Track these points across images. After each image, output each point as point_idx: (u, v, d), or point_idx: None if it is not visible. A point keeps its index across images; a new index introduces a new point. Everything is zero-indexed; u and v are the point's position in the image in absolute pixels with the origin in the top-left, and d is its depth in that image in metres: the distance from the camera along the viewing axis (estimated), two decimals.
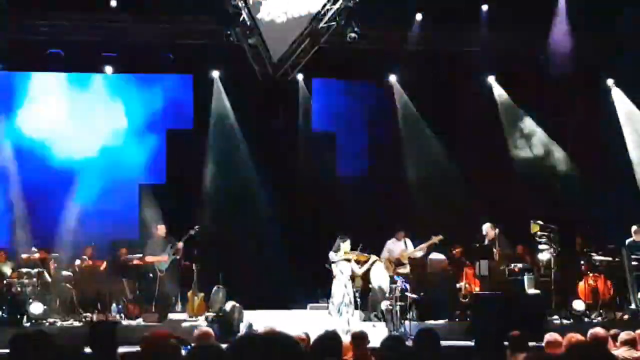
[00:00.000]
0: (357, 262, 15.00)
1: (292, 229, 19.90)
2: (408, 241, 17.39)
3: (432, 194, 20.52)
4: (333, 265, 14.93)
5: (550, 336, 8.76)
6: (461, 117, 20.43)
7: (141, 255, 17.42)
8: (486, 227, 17.84)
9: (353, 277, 15.79)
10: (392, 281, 16.35)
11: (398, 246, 17.38)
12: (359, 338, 8.81)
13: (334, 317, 14.56)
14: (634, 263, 16.64)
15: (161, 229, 17.05)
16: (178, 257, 17.14)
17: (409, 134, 20.93)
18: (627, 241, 17.10)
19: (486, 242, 17.63)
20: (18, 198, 19.13)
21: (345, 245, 14.80)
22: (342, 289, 14.67)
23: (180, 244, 16.86)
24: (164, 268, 16.78)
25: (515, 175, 20.52)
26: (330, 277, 15.08)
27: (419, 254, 17.41)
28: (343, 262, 14.78)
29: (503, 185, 20.09)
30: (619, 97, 20.66)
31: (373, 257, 15.53)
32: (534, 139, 20.76)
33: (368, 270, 17.03)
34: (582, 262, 17.54)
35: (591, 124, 20.28)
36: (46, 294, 16.39)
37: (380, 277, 17.28)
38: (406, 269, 17.05)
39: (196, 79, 20.48)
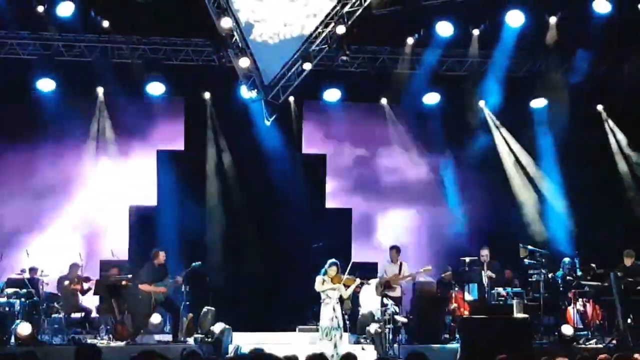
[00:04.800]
0: (345, 285, 14.95)
1: (281, 251, 19.88)
2: (404, 264, 17.44)
3: (422, 216, 20.63)
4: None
5: None
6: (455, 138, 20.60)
7: (131, 275, 17.27)
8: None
9: (342, 300, 15.73)
10: (382, 304, 16.36)
11: (392, 268, 17.41)
12: None
13: (323, 340, 14.51)
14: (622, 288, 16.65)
15: (161, 256, 16.84)
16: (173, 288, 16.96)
17: (402, 157, 21.01)
18: (618, 267, 17.12)
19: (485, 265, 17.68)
20: None
21: (332, 271, 14.73)
22: (330, 312, 14.60)
23: (180, 279, 16.71)
24: (161, 301, 16.62)
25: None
26: (319, 300, 15.03)
27: (407, 280, 17.44)
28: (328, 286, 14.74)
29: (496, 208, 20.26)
30: None
31: (358, 280, 15.48)
32: None
33: (357, 293, 17.03)
34: (571, 286, 17.56)
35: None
36: (34, 314, 16.30)
37: (369, 300, 17.29)
38: (396, 293, 17.05)
39: (188, 100, 20.48)
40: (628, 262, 17.16)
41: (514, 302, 16.80)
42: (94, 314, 17.89)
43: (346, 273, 14.86)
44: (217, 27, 17.93)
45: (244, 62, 18.51)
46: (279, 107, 19.58)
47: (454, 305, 17.70)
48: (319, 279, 14.79)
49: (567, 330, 16.37)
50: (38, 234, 19.11)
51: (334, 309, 14.63)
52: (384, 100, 20.97)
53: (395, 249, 17.70)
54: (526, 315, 16.32)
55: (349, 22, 18.19)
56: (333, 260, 14.85)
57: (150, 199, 20.20)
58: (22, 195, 19.35)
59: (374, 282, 17.10)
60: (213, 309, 17.33)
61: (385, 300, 16.17)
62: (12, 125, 19.44)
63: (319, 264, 15.06)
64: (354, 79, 19.97)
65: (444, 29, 18.81)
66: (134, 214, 20.10)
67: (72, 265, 17.83)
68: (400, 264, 17.56)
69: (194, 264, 16.90)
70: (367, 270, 17.54)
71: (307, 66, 18.76)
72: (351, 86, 20.03)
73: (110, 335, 16.71)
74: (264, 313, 18.99)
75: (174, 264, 17.35)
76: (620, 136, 21.03)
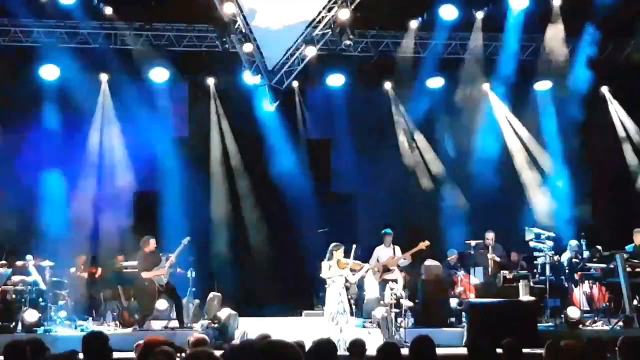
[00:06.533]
0: (351, 270, 14.94)
1: (287, 235, 19.90)
2: (397, 248, 17.44)
3: (428, 200, 20.62)
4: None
5: (550, 343, 8.73)
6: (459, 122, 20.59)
7: (137, 262, 17.27)
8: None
9: (348, 285, 15.74)
10: (382, 287, 16.40)
11: (386, 252, 17.43)
12: (357, 346, 8.80)
13: (329, 324, 14.52)
14: (628, 269, 16.63)
15: (152, 243, 16.83)
16: (172, 269, 16.96)
17: (406, 141, 21.00)
18: (627, 247, 17.11)
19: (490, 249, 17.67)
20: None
21: (338, 254, 14.70)
22: (336, 297, 14.58)
23: (173, 257, 16.69)
24: (164, 283, 16.62)
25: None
26: (325, 285, 15.05)
27: (405, 260, 17.46)
28: (336, 271, 14.72)
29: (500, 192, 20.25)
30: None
31: (366, 266, 15.48)
32: None
33: (362, 277, 17.06)
34: (577, 269, 17.55)
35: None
36: (41, 302, 16.33)
37: (374, 284, 17.32)
38: (393, 275, 17.07)
39: (191, 85, 20.47)
40: (638, 240, 17.14)
41: (520, 285, 16.81)
42: (100, 301, 17.94)
43: (351, 257, 14.82)
44: (220, 13, 17.89)
45: (247, 48, 18.48)
46: (283, 93, 19.56)
47: (460, 288, 17.74)
48: (324, 264, 14.76)
49: (573, 312, 16.35)
50: (43, 220, 19.10)
51: (339, 294, 14.63)
52: (387, 85, 20.94)
53: (388, 234, 17.69)
54: (533, 298, 16.33)
55: (352, 7, 18.14)
56: (338, 243, 14.83)
57: (154, 184, 20.21)
58: (26, 181, 19.36)
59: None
60: (219, 294, 17.37)
61: (391, 284, 16.20)
62: (15, 113, 19.47)
63: (325, 249, 15.06)
64: (357, 64, 19.93)
65: (448, 12, 18.77)
66: (138, 200, 20.10)
67: (77, 253, 17.88)
68: (394, 247, 17.56)
69: (183, 240, 16.85)
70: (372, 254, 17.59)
71: (311, 51, 18.73)
72: (355, 71, 20.00)
73: (117, 322, 16.75)
74: (270, 298, 19.00)
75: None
76: (626, 118, 21.01)
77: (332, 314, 14.50)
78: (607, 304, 17.37)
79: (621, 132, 21.05)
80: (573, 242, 18.11)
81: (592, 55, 19.64)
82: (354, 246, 15.10)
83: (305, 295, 18.88)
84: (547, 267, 17.07)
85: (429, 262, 17.69)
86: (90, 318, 17.15)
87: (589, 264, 17.42)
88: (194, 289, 17.65)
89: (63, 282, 17.25)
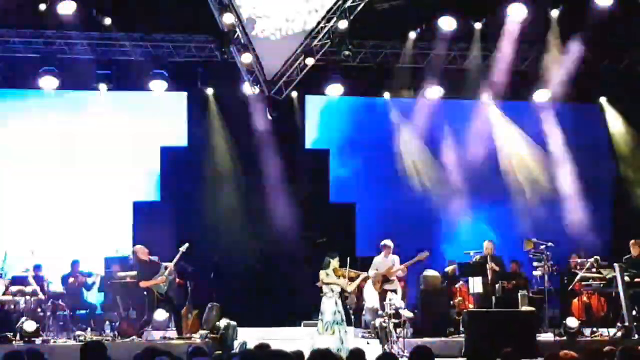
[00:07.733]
0: (349, 277, 14.93)
1: (285, 246, 19.88)
2: (395, 257, 17.41)
3: (427, 210, 20.63)
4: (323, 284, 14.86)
5: (549, 353, 8.73)
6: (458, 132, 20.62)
7: (135, 272, 17.25)
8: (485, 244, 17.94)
9: (346, 295, 15.72)
10: (382, 298, 16.39)
11: (385, 262, 17.38)
12: (356, 356, 8.78)
13: (323, 335, 14.43)
14: (627, 280, 16.64)
15: (141, 249, 16.70)
16: (172, 277, 16.91)
17: (405, 151, 21.01)
18: (625, 257, 17.12)
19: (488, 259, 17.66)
20: None
21: (335, 262, 14.71)
22: (332, 306, 14.53)
23: (171, 265, 16.64)
24: (164, 291, 16.57)
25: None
26: (321, 294, 15.03)
27: (404, 271, 17.45)
28: (333, 280, 14.70)
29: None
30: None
31: (363, 274, 15.46)
32: None
33: (361, 287, 17.06)
34: (575, 279, 17.56)
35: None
36: (39, 312, 16.31)
37: (373, 295, 17.29)
38: (393, 285, 17.05)
39: (190, 96, 20.48)
40: (635, 251, 17.14)
41: (519, 295, 16.82)
42: (98, 311, 17.92)
43: (347, 267, 14.82)
44: (219, 24, 17.93)
45: (246, 58, 18.51)
46: (282, 103, 19.59)
47: (459, 298, 17.73)
48: (322, 273, 14.75)
49: (572, 322, 16.36)
50: (42, 231, 19.11)
51: (336, 304, 14.61)
52: (386, 95, 20.95)
53: (386, 246, 17.66)
54: (532, 308, 16.34)
55: (351, 17, 18.18)
56: (334, 252, 14.84)
57: (153, 194, 20.22)
58: (25, 193, 19.41)
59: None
60: (218, 304, 17.34)
61: (389, 295, 16.18)
62: (14, 123, 19.54)
63: (323, 259, 15.06)
64: (356, 74, 19.95)
65: (446, 23, 18.79)
66: (137, 210, 20.12)
67: (73, 263, 17.86)
68: (392, 258, 17.54)
69: (180, 247, 16.79)
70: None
71: (310, 61, 18.77)
72: (353, 81, 20.01)
73: (115, 332, 16.72)
74: (269, 308, 19.00)
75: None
76: (623, 129, 21.05)
77: (327, 323, 14.45)
78: (606, 314, 17.38)
79: (618, 142, 21.06)
80: (572, 253, 18.13)
81: (582, 66, 19.62)
82: (348, 258, 15.07)
83: (304, 305, 18.84)
84: (546, 277, 17.08)
85: (428, 271, 17.70)
86: (89, 328, 17.12)
87: (587, 274, 17.42)
88: (192, 299, 17.63)
89: (61, 292, 17.24)
